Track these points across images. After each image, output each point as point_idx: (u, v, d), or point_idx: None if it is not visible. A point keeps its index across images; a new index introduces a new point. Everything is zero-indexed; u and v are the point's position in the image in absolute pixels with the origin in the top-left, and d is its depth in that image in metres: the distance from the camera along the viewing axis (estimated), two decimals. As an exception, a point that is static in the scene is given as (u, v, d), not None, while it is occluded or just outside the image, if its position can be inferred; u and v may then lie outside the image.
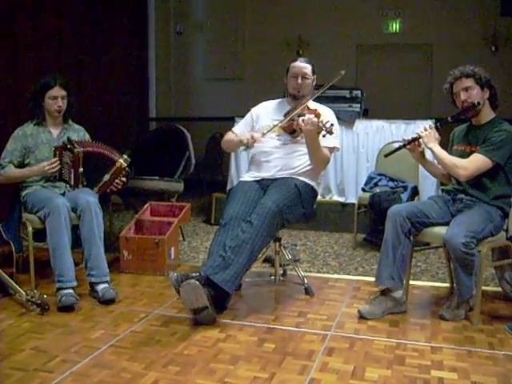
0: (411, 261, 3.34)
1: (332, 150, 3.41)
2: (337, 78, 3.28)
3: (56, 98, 3.50)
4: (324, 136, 3.12)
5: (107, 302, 3.22)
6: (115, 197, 4.64)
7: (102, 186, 3.45)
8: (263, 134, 3.30)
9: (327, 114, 3.46)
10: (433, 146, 3.12)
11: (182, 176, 5.00)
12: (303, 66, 3.42)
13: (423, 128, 3.19)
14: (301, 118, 3.14)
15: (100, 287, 3.26)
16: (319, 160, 3.33)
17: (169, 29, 8.81)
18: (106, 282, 3.30)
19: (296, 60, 3.48)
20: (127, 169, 3.47)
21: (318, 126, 3.06)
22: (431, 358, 2.56)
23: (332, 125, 3.08)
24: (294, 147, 3.38)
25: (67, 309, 3.10)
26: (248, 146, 3.27)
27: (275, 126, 3.33)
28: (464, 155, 3.11)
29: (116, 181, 3.45)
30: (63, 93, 3.52)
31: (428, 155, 3.35)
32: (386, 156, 3.44)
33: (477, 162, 3.01)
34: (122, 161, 3.44)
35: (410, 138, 3.24)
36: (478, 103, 3.04)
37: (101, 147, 3.49)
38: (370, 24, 8.05)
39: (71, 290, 3.16)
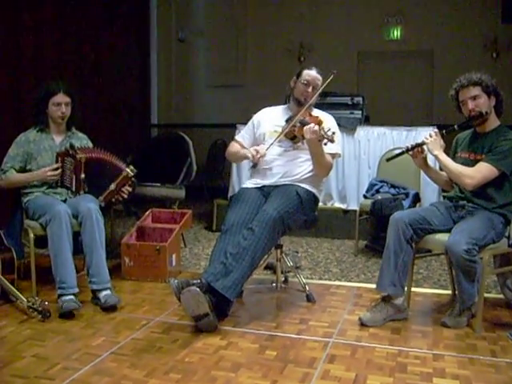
0: (413, 268, 3.33)
1: (334, 156, 3.42)
2: (329, 78, 3.31)
3: (60, 104, 3.51)
4: (325, 144, 3.13)
5: (109, 308, 3.21)
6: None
7: (107, 194, 3.46)
8: (267, 148, 3.33)
9: (328, 120, 3.46)
10: (438, 154, 3.10)
11: (183, 183, 5.01)
12: (317, 77, 3.42)
13: (428, 134, 3.17)
14: (304, 128, 3.14)
15: (102, 294, 3.25)
16: (323, 167, 3.34)
17: (171, 36, 8.84)
18: (108, 289, 3.29)
19: (312, 68, 3.46)
20: (133, 179, 3.48)
21: (320, 134, 3.07)
22: (433, 365, 2.55)
23: (333, 133, 3.08)
24: (295, 154, 3.39)
25: (69, 315, 3.09)
26: (256, 163, 3.31)
27: (277, 137, 3.34)
28: (468, 163, 3.10)
29: (122, 190, 3.46)
30: (67, 99, 3.53)
31: (430, 161, 3.35)
32: (388, 160, 3.44)
33: (483, 171, 2.99)
34: (128, 170, 3.46)
35: (414, 143, 3.23)
36: (486, 112, 3.04)
37: (105, 154, 3.51)
38: (371, 31, 8.07)
39: (72, 297, 3.16)
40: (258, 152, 3.31)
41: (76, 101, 3.61)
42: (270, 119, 3.53)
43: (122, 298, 3.37)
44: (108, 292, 3.27)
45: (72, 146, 3.47)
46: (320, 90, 3.41)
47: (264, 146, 3.39)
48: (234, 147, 3.61)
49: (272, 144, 3.35)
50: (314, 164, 3.33)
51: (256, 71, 8.51)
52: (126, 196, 3.49)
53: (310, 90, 3.40)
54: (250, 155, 3.34)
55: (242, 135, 3.63)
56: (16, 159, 3.51)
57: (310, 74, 3.43)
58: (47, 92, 3.51)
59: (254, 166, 3.38)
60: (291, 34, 8.27)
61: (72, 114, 3.60)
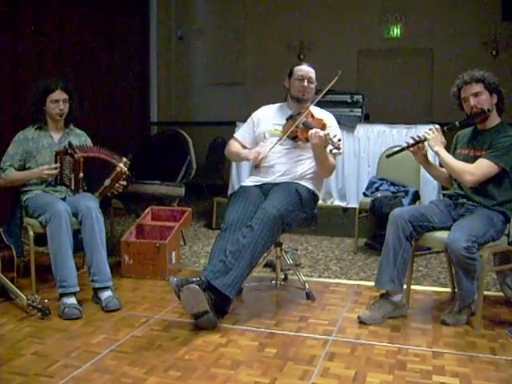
0: (413, 265, 3.33)
1: (335, 154, 3.41)
2: (335, 78, 3.32)
3: (58, 101, 3.49)
4: (331, 151, 3.14)
5: (110, 311, 3.20)
6: (116, 201, 4.64)
7: (102, 190, 3.47)
8: (270, 149, 3.33)
9: (329, 119, 3.46)
10: (439, 150, 3.10)
11: (183, 180, 5.00)
12: (310, 70, 3.44)
13: (430, 131, 3.15)
14: (309, 133, 3.14)
15: (104, 296, 3.24)
16: (326, 168, 3.36)
17: (170, 33, 8.83)
18: (109, 287, 3.29)
19: (301, 64, 3.50)
20: (127, 172, 3.48)
21: (326, 139, 3.07)
22: (433, 363, 2.55)
23: (339, 140, 3.08)
24: (296, 152, 3.38)
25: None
26: (257, 165, 3.32)
27: (281, 138, 3.34)
28: (468, 159, 3.10)
29: (116, 185, 3.46)
30: (65, 96, 3.52)
31: (430, 158, 3.34)
32: (388, 156, 3.43)
33: (484, 167, 2.99)
34: (121, 165, 3.46)
35: (415, 137, 3.21)
36: (488, 110, 3.03)
37: (101, 152, 3.51)
38: (371, 29, 8.06)
39: (74, 300, 3.15)
40: (259, 153, 3.31)
41: (74, 98, 3.61)
42: (270, 117, 3.53)
43: (121, 295, 3.37)
44: (109, 293, 3.26)
45: (70, 145, 3.46)
46: (326, 89, 3.41)
47: (266, 146, 3.38)
48: (234, 147, 3.59)
49: (275, 145, 3.34)
50: (317, 166, 3.34)
51: (256, 69, 8.50)
52: (120, 190, 3.50)
53: (305, 83, 3.41)
54: (251, 157, 3.34)
55: (242, 134, 3.62)
56: (15, 158, 3.50)
57: (302, 69, 3.45)
58: (45, 89, 3.50)
59: (257, 166, 3.39)
60: (291, 32, 8.26)
61: (70, 110, 3.59)
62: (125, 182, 3.49)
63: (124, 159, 3.49)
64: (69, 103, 3.57)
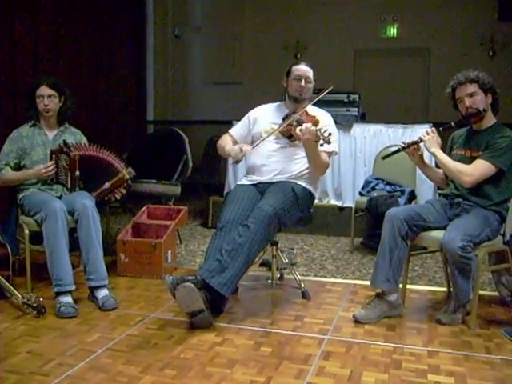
0: (408, 265, 3.34)
1: (330, 154, 3.41)
2: (327, 90, 3.39)
3: (43, 97, 3.49)
4: (322, 145, 3.13)
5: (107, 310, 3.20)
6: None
7: (100, 192, 3.45)
8: (253, 147, 3.32)
9: (325, 119, 3.46)
10: (435, 151, 3.10)
11: (179, 179, 5.00)
12: (307, 69, 3.44)
13: (425, 132, 3.16)
14: (298, 128, 3.14)
15: (100, 295, 3.23)
16: (319, 166, 3.34)
17: (167, 32, 8.81)
18: (105, 286, 3.28)
19: (299, 63, 3.49)
20: (129, 182, 3.47)
21: (316, 135, 3.06)
22: (428, 362, 2.56)
23: (330, 134, 3.07)
24: (292, 151, 3.38)
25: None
26: (238, 160, 3.29)
27: (268, 135, 3.33)
28: (464, 160, 3.10)
29: (115, 191, 3.46)
30: (50, 92, 3.51)
31: (426, 159, 3.35)
32: (384, 158, 3.43)
33: (481, 168, 2.99)
34: (125, 172, 3.45)
35: (410, 141, 3.22)
36: (484, 110, 3.04)
37: (101, 152, 3.50)
38: (367, 28, 8.07)
39: (70, 299, 3.14)
40: (241, 151, 3.28)
41: (67, 95, 3.60)
42: (267, 117, 3.52)
43: (117, 294, 3.37)
44: (106, 292, 3.26)
45: (66, 143, 3.45)
46: (319, 97, 3.43)
47: (250, 145, 3.37)
48: (224, 141, 3.56)
49: (259, 143, 3.33)
50: (309, 163, 3.33)
51: (252, 68, 8.51)
52: (118, 198, 3.49)
53: (303, 83, 3.41)
54: (233, 154, 3.31)
55: (236, 130, 3.60)
56: (10, 156, 3.49)
57: (299, 68, 3.45)
58: (32, 86, 3.52)
59: (237, 162, 3.35)
60: (288, 31, 8.27)
61: (63, 108, 3.59)
62: (124, 191, 3.49)
63: (129, 168, 3.48)
64: (59, 100, 3.56)
